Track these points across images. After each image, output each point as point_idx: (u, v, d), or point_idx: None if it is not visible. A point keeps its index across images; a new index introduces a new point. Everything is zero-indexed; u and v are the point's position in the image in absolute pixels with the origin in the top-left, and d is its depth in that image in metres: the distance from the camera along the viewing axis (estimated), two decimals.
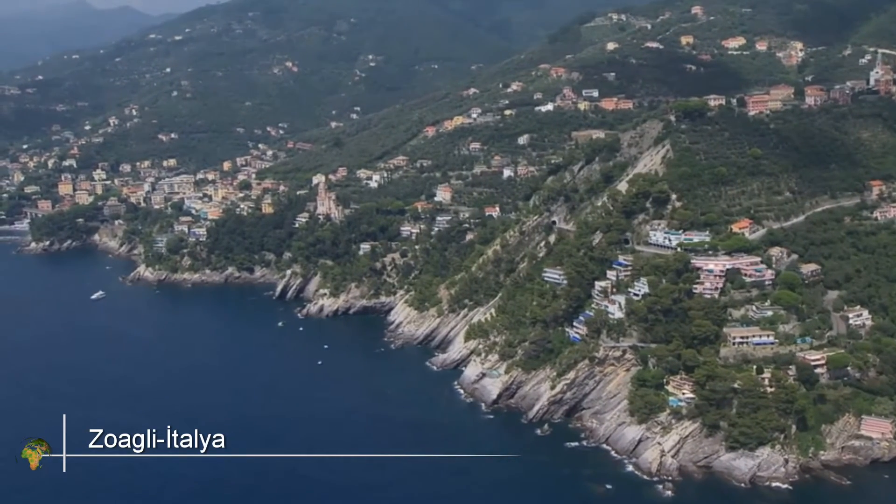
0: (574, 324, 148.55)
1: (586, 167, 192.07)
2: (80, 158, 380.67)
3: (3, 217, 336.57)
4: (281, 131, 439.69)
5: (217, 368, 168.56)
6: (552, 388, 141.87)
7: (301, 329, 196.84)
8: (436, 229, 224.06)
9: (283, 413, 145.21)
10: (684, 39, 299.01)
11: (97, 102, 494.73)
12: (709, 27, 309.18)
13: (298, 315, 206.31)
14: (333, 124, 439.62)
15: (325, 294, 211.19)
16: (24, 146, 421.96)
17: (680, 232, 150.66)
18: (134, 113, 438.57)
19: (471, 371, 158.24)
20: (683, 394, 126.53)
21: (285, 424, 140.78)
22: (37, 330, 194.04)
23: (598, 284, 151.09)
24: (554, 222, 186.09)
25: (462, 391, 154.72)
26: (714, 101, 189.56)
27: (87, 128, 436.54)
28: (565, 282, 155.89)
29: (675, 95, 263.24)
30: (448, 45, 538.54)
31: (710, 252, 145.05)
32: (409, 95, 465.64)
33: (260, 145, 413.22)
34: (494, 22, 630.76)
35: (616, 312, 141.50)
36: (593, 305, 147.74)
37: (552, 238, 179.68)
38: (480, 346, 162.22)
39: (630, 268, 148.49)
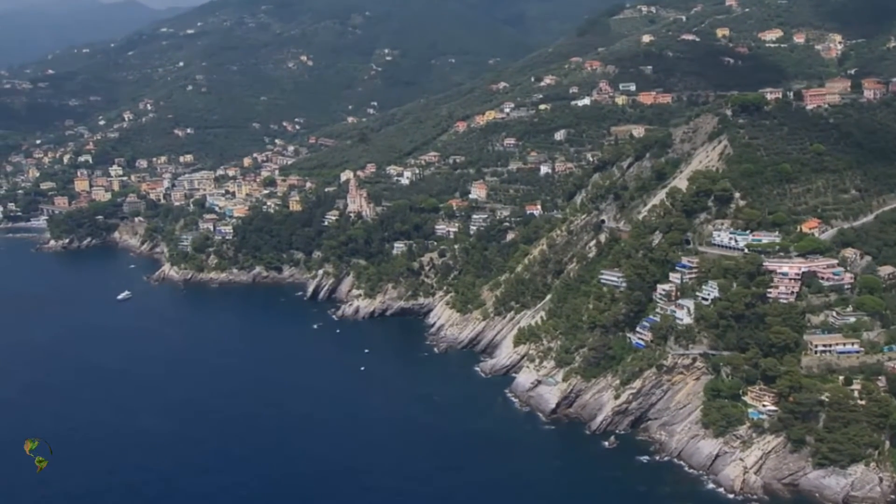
0: (637, 329, 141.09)
1: (636, 164, 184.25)
2: (95, 154, 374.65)
3: (20, 214, 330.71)
4: (297, 126, 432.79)
5: (258, 374, 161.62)
6: (616, 397, 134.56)
7: (338, 331, 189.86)
8: (472, 228, 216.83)
9: (332, 426, 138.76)
10: (720, 32, 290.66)
11: (110, 97, 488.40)
12: (744, 19, 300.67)
13: (333, 317, 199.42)
14: (350, 119, 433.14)
15: (360, 295, 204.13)
16: (38, 141, 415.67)
17: (747, 232, 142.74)
18: (149, 107, 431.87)
19: (524, 378, 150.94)
20: (764, 406, 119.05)
21: (336, 438, 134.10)
22: (65, 332, 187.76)
23: (661, 287, 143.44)
24: (603, 221, 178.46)
25: (516, 399, 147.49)
26: (770, 94, 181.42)
27: (102, 122, 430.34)
28: (624, 284, 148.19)
29: (715, 89, 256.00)
30: (464, 39, 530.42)
31: (782, 254, 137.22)
32: (427, 90, 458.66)
33: (277, 141, 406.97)
34: (510, 15, 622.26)
35: (684, 318, 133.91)
36: (657, 310, 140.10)
37: (602, 238, 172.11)
38: (533, 352, 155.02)
39: (695, 270, 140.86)
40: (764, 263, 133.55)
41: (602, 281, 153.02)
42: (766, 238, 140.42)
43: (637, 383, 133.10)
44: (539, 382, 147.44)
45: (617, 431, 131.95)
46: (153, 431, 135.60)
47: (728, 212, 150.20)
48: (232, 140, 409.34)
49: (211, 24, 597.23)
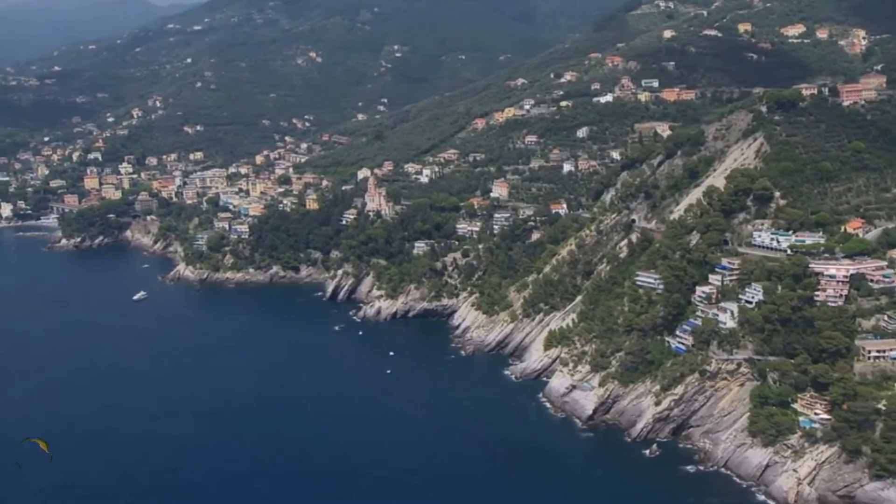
0: (676, 333, 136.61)
1: (667, 162, 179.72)
2: (105, 151, 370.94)
3: (29, 212, 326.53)
4: (307, 123, 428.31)
5: (283, 378, 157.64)
6: (657, 403, 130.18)
7: (360, 333, 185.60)
8: (494, 227, 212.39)
9: (363, 432, 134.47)
10: (742, 27, 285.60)
11: (118, 94, 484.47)
12: (766, 14, 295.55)
13: (355, 318, 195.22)
14: (360, 116, 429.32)
15: (382, 295, 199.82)
16: (46, 138, 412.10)
17: (789, 233, 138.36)
18: (158, 104, 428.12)
19: (558, 382, 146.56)
20: (816, 414, 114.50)
21: (368, 444, 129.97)
22: (85, 334, 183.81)
23: (700, 290, 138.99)
24: (633, 221, 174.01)
25: (550, 405, 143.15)
26: (806, 90, 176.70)
27: (111, 119, 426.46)
28: (661, 286, 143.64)
29: (739, 85, 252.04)
30: (474, 35, 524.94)
31: (827, 255, 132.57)
32: (437, 87, 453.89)
33: (287, 138, 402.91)
34: (519, 11, 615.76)
35: (727, 321, 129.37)
36: (698, 313, 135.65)
37: (634, 238, 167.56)
38: (566, 356, 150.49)
39: (736, 272, 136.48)
40: (810, 265, 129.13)
41: (637, 283, 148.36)
42: (809, 239, 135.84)
43: (679, 389, 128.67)
44: (574, 387, 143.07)
45: (658, 439, 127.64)
46: (181, 437, 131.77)
47: (768, 211, 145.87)
48: (242, 137, 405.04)
49: (218, 20, 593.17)
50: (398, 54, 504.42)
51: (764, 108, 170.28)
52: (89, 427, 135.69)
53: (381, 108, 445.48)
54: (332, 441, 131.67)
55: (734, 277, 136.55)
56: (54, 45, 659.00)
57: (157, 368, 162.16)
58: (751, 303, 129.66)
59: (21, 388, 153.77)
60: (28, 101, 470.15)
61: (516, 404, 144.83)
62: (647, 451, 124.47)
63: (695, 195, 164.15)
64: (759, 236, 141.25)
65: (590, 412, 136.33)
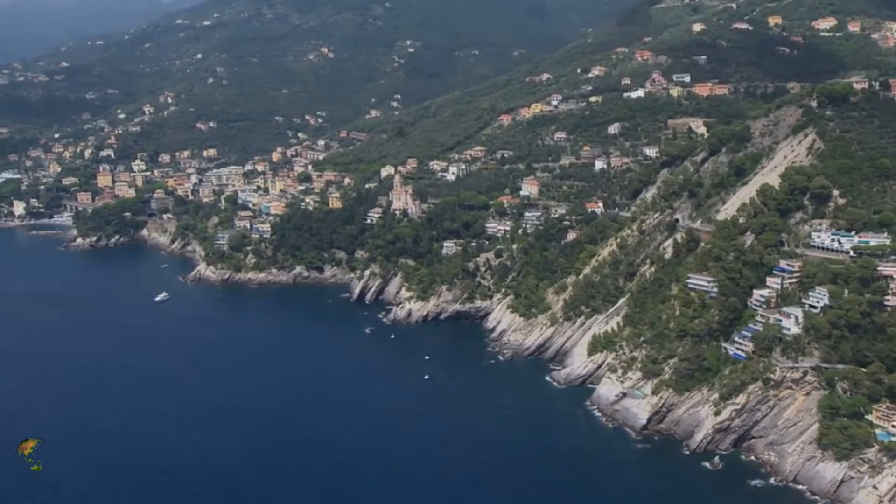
0: (735, 339, 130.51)
1: (711, 159, 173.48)
2: (117, 148, 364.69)
3: (42, 210, 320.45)
4: (319, 120, 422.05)
5: (320, 384, 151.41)
6: (716, 413, 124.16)
7: (392, 336, 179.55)
8: (525, 226, 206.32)
9: (407, 442, 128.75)
10: (772, 20, 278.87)
11: (127, 90, 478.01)
12: (796, 7, 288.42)
13: (384, 320, 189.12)
14: (374, 113, 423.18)
15: (412, 297, 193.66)
16: (56, 135, 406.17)
17: (851, 233, 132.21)
18: (169, 100, 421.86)
19: (607, 390, 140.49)
20: (894, 426, 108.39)
21: (413, 454, 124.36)
22: (109, 337, 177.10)
23: (758, 293, 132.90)
24: (677, 220, 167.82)
25: (599, 413, 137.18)
26: (857, 83, 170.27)
27: (122, 116, 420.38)
28: (716, 290, 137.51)
29: (772, 80, 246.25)
30: (487, 30, 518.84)
31: (895, 257, 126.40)
32: (451, 82, 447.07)
33: (300, 134, 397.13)
34: (530, 5, 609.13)
35: (791, 327, 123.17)
36: (757, 318, 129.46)
37: (679, 237, 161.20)
38: (614, 361, 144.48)
39: (797, 274, 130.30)
40: (878, 268, 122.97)
41: (689, 285, 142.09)
42: (874, 240, 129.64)
43: (741, 398, 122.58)
44: (624, 395, 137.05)
45: (718, 451, 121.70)
46: (217, 445, 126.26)
47: (826, 211, 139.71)
48: (255, 134, 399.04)
49: (227, 15, 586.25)
50: (410, 50, 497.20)
51: (814, 103, 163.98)
52: (120, 433, 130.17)
53: (395, 104, 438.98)
54: (377, 449, 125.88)
55: (794, 280, 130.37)
56: (57, 40, 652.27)
57: (188, 373, 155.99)
58: (816, 307, 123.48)
59: (48, 394, 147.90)
60: (37, 97, 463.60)
61: (563, 412, 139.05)
62: (709, 464, 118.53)
63: (743, 194, 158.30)
64: (819, 237, 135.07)
65: (644, 421, 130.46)
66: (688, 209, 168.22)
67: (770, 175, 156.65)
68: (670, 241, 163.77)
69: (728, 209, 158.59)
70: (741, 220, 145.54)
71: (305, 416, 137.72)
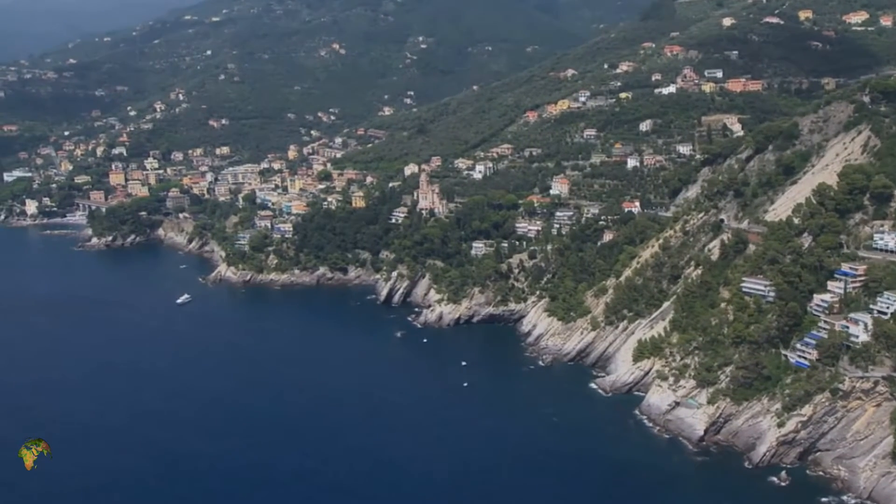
0: (797, 346, 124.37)
1: (757, 157, 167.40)
2: (129, 146, 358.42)
3: (55, 209, 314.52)
4: (332, 117, 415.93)
5: (356, 390, 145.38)
6: (780, 425, 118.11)
7: (424, 340, 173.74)
8: (556, 226, 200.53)
9: (451, 452, 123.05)
10: (802, 14, 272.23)
11: (137, 87, 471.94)
12: (826, 0, 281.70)
13: (415, 324, 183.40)
14: (387, 110, 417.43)
15: (442, 300, 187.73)
16: (66, 132, 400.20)
17: None
18: (181, 98, 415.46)
19: (658, 398, 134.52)
20: None
21: (460, 466, 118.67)
22: (133, 342, 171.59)
23: (819, 298, 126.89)
24: (722, 220, 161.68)
25: (651, 423, 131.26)
26: None
27: (133, 113, 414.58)
28: (772, 294, 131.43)
29: (806, 75, 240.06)
30: (500, 26, 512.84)
31: None
32: (465, 79, 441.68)
33: (313, 132, 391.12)
34: (541, 1, 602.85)
35: (860, 334, 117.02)
36: (821, 324, 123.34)
37: (725, 238, 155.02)
38: (663, 368, 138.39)
39: (861, 278, 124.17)
40: None
41: (744, 289, 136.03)
42: None
43: (807, 409, 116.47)
44: (677, 404, 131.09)
45: (782, 464, 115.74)
46: (260, 458, 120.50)
47: (888, 211, 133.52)
48: (267, 131, 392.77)
49: (237, 11, 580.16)
50: (423, 46, 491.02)
51: (867, 98, 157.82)
52: (154, 445, 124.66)
53: (408, 100, 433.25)
54: (422, 461, 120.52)
55: (858, 284, 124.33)
56: (58, 37, 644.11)
57: (219, 382, 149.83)
58: (885, 313, 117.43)
59: (76, 401, 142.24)
60: (46, 94, 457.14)
61: (612, 421, 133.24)
62: (776, 479, 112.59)
63: (793, 193, 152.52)
64: (882, 239, 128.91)
65: (700, 433, 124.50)
66: (733, 209, 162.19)
67: (821, 174, 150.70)
68: (716, 242, 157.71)
69: (777, 209, 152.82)
70: (796, 221, 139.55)
71: (345, 425, 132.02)
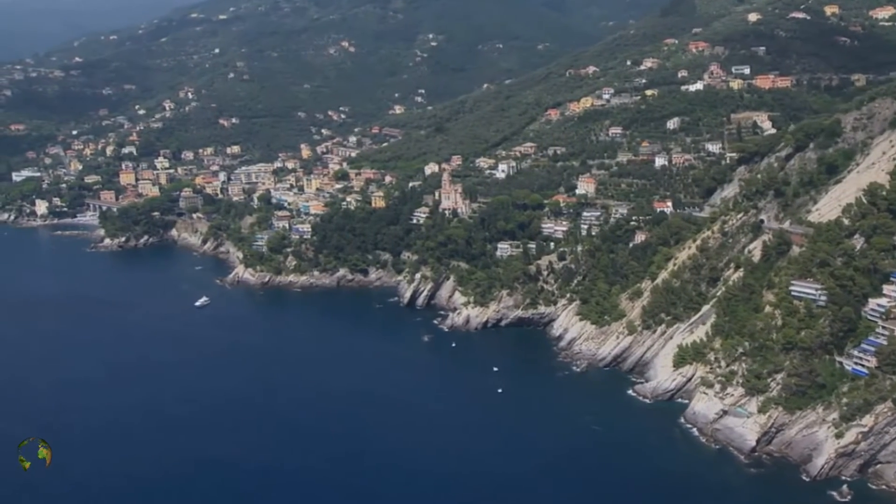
0: (853, 353, 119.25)
1: (798, 155, 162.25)
2: (139, 145, 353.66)
3: (65, 209, 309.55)
4: (342, 115, 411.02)
5: (387, 398, 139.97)
6: (838, 436, 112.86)
7: (453, 345, 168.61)
8: (583, 226, 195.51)
9: (493, 464, 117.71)
10: (829, 9, 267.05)
11: (145, 85, 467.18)
12: None
13: (442, 327, 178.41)
14: (397, 108, 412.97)
15: (469, 302, 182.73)
16: (74, 131, 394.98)
17: None
18: (190, 96, 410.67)
19: (704, 406, 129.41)
20: None
21: (504, 480, 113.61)
22: (154, 346, 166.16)
23: (874, 302, 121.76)
24: (762, 221, 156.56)
25: (697, 432, 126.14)
26: None
27: (141, 112, 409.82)
28: (824, 298, 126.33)
29: (835, 71, 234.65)
30: (510, 24, 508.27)
31: None
32: (476, 77, 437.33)
33: (324, 131, 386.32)
34: None
35: None
36: (878, 330, 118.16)
37: (767, 240, 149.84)
38: (708, 375, 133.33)
39: None
40: None
41: (793, 293, 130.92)
42: None
43: (867, 420, 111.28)
44: (725, 412, 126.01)
45: (842, 477, 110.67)
46: (293, 467, 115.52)
47: None
48: (278, 130, 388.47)
49: (244, 9, 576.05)
50: (433, 43, 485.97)
51: None
52: (186, 456, 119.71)
53: (419, 98, 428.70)
54: (463, 474, 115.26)
55: None
56: (62, 36, 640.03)
57: (246, 387, 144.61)
58: None
59: (103, 409, 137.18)
60: (53, 92, 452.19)
61: (657, 430, 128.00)
62: (837, 494, 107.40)
63: (837, 193, 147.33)
64: None
65: (752, 443, 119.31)
66: (773, 209, 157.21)
67: (868, 172, 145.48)
68: (756, 243, 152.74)
69: (821, 209, 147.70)
70: (846, 222, 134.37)
71: (377, 432, 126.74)
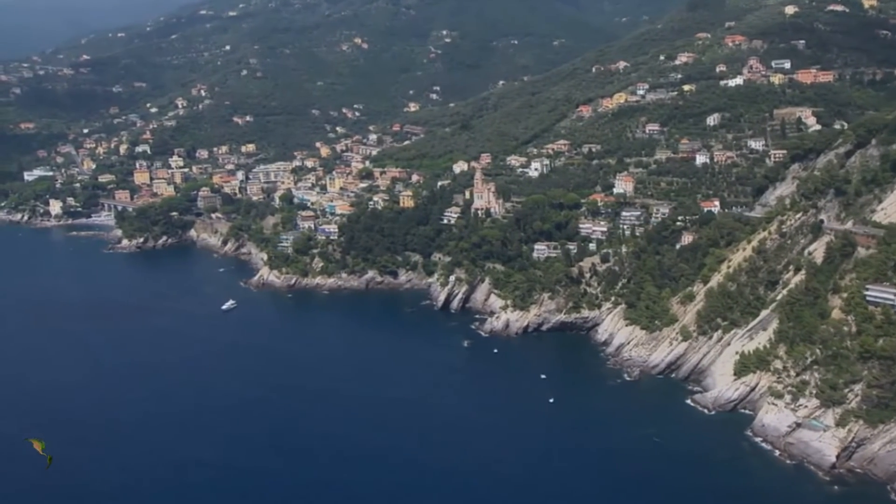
0: None
1: (859, 152, 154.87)
2: (153, 144, 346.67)
3: (80, 209, 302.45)
4: (357, 113, 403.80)
5: (435, 410, 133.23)
6: None
7: (495, 351, 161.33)
8: (623, 226, 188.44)
9: (556, 481, 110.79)
10: (867, 2, 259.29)
11: (155, 83, 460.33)
12: None
13: (480, 332, 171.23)
14: (412, 105, 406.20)
15: (507, 306, 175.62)
16: (85, 130, 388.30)
17: None
18: (203, 94, 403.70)
19: (774, 419, 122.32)
20: None
21: (567, 496, 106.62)
22: (183, 353, 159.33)
23: None
24: (822, 221, 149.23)
25: (768, 446, 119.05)
26: None
27: (153, 110, 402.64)
28: None
29: (878, 65, 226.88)
30: (525, 19, 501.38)
31: None
32: (492, 74, 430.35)
33: (338, 128, 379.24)
34: None
35: None
36: None
37: (830, 241, 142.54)
38: (778, 385, 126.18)
39: None
40: None
41: (868, 298, 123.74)
42: None
43: None
44: (799, 425, 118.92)
45: None
46: (328, 481, 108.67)
47: None
48: (293, 128, 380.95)
49: (254, 5, 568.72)
50: (447, 40, 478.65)
51: None
52: (224, 472, 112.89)
53: (434, 95, 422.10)
54: (522, 488, 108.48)
55: None
56: (66, 34, 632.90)
57: (284, 397, 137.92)
58: None
59: (135, 420, 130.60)
60: (63, 90, 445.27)
61: (724, 443, 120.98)
62: None
63: None
64: None
65: (832, 459, 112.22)
66: (834, 209, 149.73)
67: None
68: (816, 244, 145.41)
69: (887, 209, 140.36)
70: None
71: (425, 445, 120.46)
